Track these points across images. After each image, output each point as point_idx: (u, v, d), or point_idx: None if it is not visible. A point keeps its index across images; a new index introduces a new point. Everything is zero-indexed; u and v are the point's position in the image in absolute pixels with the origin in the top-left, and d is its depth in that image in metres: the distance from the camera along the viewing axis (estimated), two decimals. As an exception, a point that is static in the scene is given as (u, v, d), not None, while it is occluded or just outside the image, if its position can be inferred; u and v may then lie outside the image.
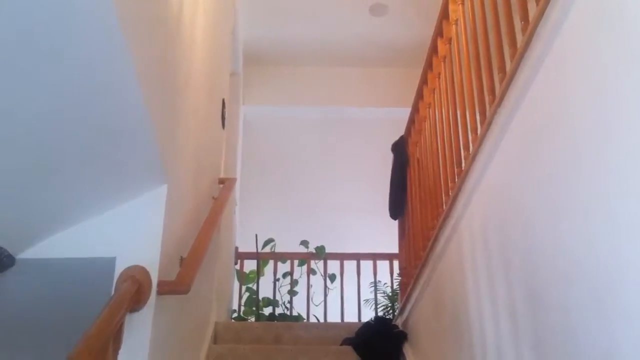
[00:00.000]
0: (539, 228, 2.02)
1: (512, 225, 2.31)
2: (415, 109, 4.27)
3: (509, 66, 2.31)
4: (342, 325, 4.80)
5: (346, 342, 4.29)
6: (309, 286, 5.61)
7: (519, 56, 2.18)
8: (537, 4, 2.03)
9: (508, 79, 2.29)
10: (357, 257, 5.71)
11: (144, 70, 1.78)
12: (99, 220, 2.18)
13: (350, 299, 5.56)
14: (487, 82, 2.63)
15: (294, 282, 5.67)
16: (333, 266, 5.75)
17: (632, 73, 1.47)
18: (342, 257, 5.71)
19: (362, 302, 5.61)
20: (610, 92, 1.59)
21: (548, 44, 1.98)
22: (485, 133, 2.58)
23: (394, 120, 5.39)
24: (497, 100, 2.41)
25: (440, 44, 3.52)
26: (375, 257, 5.74)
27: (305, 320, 5.48)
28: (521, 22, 2.20)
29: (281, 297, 5.62)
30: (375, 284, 5.65)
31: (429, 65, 3.80)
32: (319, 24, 5.47)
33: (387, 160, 4.74)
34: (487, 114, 2.56)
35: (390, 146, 4.70)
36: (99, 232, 2.17)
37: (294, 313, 5.57)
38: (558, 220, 1.87)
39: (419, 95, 4.11)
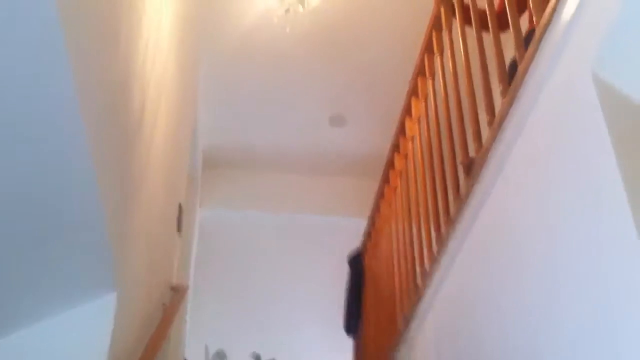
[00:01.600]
0: (487, 334, 2.05)
1: (463, 335, 2.31)
2: (371, 222, 4.31)
3: (462, 187, 2.37)
4: None
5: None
6: (259, 401, 5.36)
7: (472, 177, 2.25)
8: (490, 127, 2.12)
9: (462, 200, 2.35)
10: (311, 371, 5.53)
11: (102, 172, 1.76)
12: (39, 329, 2.05)
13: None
14: (442, 201, 2.68)
15: (243, 397, 5.42)
16: (286, 381, 5.54)
17: (574, 201, 1.53)
18: (294, 371, 5.52)
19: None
20: (553, 213, 1.64)
21: (500, 166, 2.05)
22: (440, 251, 2.60)
23: (351, 230, 5.40)
24: (452, 221, 2.45)
25: (397, 158, 3.61)
26: (329, 373, 5.56)
27: None
28: (474, 143, 2.28)
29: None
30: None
31: (385, 179, 3.88)
32: (279, 131, 5.58)
33: (343, 271, 4.70)
34: (442, 231, 2.60)
35: (346, 257, 4.68)
36: (38, 342, 2.03)
37: None
38: (504, 322, 1.90)
39: (376, 208, 4.16)
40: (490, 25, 2.30)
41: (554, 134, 1.70)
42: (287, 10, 3.05)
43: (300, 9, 3.00)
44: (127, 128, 2.14)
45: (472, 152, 2.31)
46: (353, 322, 4.47)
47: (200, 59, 4.32)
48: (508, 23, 2.14)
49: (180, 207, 4.04)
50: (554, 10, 1.73)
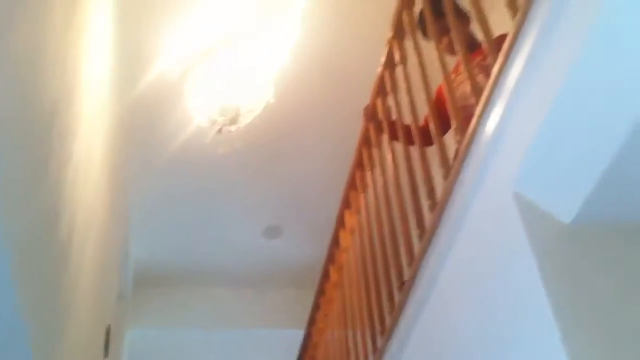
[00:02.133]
0: None
1: None
2: (308, 333, 4.23)
3: (397, 299, 2.38)
4: None
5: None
6: None
7: (406, 289, 2.27)
8: (421, 241, 2.17)
9: (397, 312, 2.35)
10: None
11: (28, 302, 1.68)
12: None
13: None
14: (377, 312, 2.67)
15: None
16: None
17: (503, 320, 1.56)
18: None
19: None
20: (486, 328, 1.66)
21: (433, 278, 2.08)
22: None
23: (288, 342, 5.28)
24: (388, 332, 2.44)
25: (331, 270, 3.61)
26: None
27: None
28: (406, 256, 2.32)
29: None
30: None
31: (321, 290, 3.85)
32: (213, 244, 5.51)
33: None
34: (378, 343, 2.58)
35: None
36: None
37: None
38: None
39: (312, 320, 4.10)
40: (415, 141, 2.41)
41: (482, 251, 1.75)
42: (219, 131, 3.11)
43: (233, 128, 3.06)
44: (54, 256, 2.08)
45: (405, 264, 2.34)
46: None
47: (133, 175, 4.29)
48: (433, 138, 2.25)
49: (108, 329, 3.87)
50: (475, 131, 1.83)
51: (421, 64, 2.38)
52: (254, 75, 3.08)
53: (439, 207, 2.02)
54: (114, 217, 3.58)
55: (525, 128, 1.59)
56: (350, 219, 3.25)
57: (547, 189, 1.58)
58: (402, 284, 2.36)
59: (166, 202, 4.88)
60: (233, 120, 3.01)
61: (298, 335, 4.59)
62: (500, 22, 1.93)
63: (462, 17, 2.47)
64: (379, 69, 2.73)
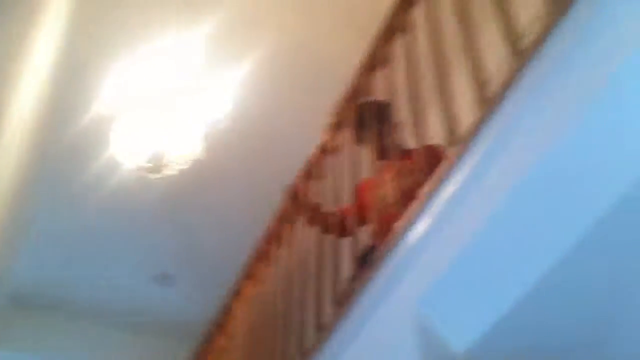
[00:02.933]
0: None
1: None
2: None
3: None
4: None
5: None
6: None
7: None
8: (317, 334, 2.17)
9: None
10: None
11: None
12: None
13: None
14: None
15: None
16: None
17: None
18: None
19: None
20: None
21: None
22: None
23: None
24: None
25: (216, 334, 3.53)
26: None
27: None
28: (296, 346, 2.31)
29: None
30: None
31: (203, 353, 3.75)
32: (96, 282, 5.31)
33: None
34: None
35: None
36: None
37: None
38: None
39: None
40: (332, 231, 2.44)
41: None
42: (145, 172, 3.06)
43: (156, 176, 3.01)
44: None
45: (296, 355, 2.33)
46: None
47: (38, 198, 4.16)
48: (349, 231, 2.29)
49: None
50: (394, 239, 1.87)
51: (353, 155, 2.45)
52: (187, 129, 3.08)
53: (342, 304, 2.03)
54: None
55: (444, 250, 1.64)
56: (247, 290, 3.21)
57: (451, 314, 1.62)
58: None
59: (65, 232, 4.74)
60: (157, 169, 2.96)
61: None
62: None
63: (388, 126, 2.55)
64: (312, 152, 2.77)
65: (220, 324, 3.54)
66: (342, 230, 2.44)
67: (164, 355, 5.76)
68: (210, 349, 3.62)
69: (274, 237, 2.97)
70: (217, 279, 4.39)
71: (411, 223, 1.83)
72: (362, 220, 2.39)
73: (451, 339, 1.59)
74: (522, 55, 1.56)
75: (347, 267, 2.27)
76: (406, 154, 2.49)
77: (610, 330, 1.58)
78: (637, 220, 1.31)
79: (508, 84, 1.57)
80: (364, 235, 2.40)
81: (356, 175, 2.46)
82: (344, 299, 2.05)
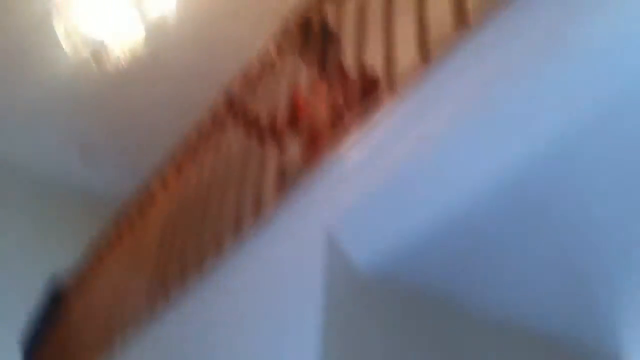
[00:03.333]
0: None
1: None
2: (87, 264, 4.14)
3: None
4: None
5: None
6: None
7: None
8: (234, 235, 2.29)
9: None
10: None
11: None
12: None
13: None
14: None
15: None
16: None
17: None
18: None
19: None
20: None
21: (231, 273, 2.22)
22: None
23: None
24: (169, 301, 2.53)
25: (136, 216, 3.60)
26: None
27: None
28: (213, 244, 2.43)
29: None
30: None
31: (117, 232, 3.79)
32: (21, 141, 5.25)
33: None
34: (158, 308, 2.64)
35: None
36: None
37: None
38: None
39: (96, 252, 4.00)
40: (264, 138, 2.48)
41: (281, 271, 1.91)
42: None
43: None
44: None
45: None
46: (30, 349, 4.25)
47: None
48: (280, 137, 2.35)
49: None
50: (319, 159, 1.96)
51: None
52: (129, 21, 3.04)
53: (261, 213, 2.14)
54: None
55: (363, 175, 1.75)
56: (171, 180, 3.27)
57: (359, 236, 1.75)
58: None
59: None
60: (99, 59, 2.95)
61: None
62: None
63: (331, 47, 2.59)
64: (253, 60, 2.78)
65: (140, 207, 3.60)
66: (273, 135, 2.47)
67: (80, 229, 5.76)
68: (127, 229, 3.69)
69: (204, 137, 3.02)
70: (142, 163, 4.44)
71: (337, 146, 1.91)
72: (292, 129, 2.44)
73: (356, 259, 1.73)
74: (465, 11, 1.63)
75: (270, 179, 2.33)
76: (344, 77, 2.55)
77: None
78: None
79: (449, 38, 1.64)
80: (293, 146, 2.44)
81: (293, 89, 2.51)
82: (262, 210, 2.15)
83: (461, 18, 1.65)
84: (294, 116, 2.52)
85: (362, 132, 1.85)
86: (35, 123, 4.93)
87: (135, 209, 3.62)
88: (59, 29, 3.00)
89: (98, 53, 2.96)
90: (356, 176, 1.79)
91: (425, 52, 1.75)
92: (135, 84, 4.31)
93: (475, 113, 1.47)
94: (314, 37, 2.51)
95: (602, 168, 1.45)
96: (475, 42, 1.54)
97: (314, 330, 1.57)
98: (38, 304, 4.37)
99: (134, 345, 2.74)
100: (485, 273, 1.78)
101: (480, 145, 1.50)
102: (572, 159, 1.44)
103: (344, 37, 2.38)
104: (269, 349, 1.78)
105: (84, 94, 4.49)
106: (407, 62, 1.83)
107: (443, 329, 1.80)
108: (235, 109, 2.78)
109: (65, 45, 2.99)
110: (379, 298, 1.73)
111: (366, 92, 2.09)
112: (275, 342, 1.77)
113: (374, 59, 2.08)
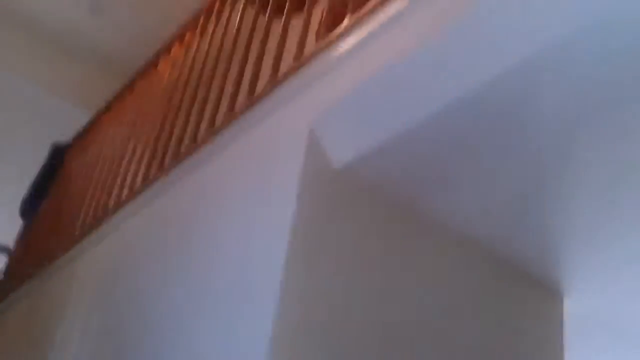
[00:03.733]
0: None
1: (123, 282, 2.57)
2: (94, 121, 4.21)
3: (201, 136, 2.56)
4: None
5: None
6: None
7: (210, 133, 2.45)
8: (225, 115, 2.34)
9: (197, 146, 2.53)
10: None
11: None
12: None
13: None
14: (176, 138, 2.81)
15: None
16: None
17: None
18: None
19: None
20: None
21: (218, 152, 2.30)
22: (153, 182, 2.73)
23: (68, 120, 5.18)
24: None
25: (153, 73, 3.62)
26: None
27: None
28: (209, 122, 2.48)
29: None
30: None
31: (132, 84, 3.79)
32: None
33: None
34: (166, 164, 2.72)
35: (51, 145, 4.59)
36: None
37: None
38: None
39: (106, 109, 4.05)
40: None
41: (262, 159, 2.00)
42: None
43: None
44: None
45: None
46: (31, 207, 4.42)
47: None
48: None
49: None
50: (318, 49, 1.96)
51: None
52: None
53: (254, 98, 2.18)
54: None
55: (357, 73, 1.74)
56: (176, 51, 3.27)
57: (339, 134, 1.80)
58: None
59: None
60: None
61: (83, 116, 4.58)
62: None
63: None
64: None
65: (143, 72, 3.64)
66: (280, 14, 2.32)
67: (90, 82, 5.81)
68: (130, 91, 3.74)
69: (212, 12, 3.00)
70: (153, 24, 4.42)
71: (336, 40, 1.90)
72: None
73: (333, 156, 1.79)
74: None
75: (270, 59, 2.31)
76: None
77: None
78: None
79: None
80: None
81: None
82: (257, 92, 2.18)
83: None
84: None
85: (355, 21, 1.83)
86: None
87: (139, 74, 3.66)
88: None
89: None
90: (341, 71, 1.80)
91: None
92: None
93: (465, 20, 1.46)
94: None
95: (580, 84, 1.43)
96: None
97: (288, 210, 1.68)
98: (43, 161, 4.52)
99: (127, 208, 2.86)
100: (447, 180, 1.81)
101: (470, 53, 1.49)
102: (553, 70, 1.42)
103: None
104: (248, 223, 1.89)
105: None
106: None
107: (399, 230, 1.87)
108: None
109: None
110: (346, 193, 1.79)
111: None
112: (253, 217, 1.87)
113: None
